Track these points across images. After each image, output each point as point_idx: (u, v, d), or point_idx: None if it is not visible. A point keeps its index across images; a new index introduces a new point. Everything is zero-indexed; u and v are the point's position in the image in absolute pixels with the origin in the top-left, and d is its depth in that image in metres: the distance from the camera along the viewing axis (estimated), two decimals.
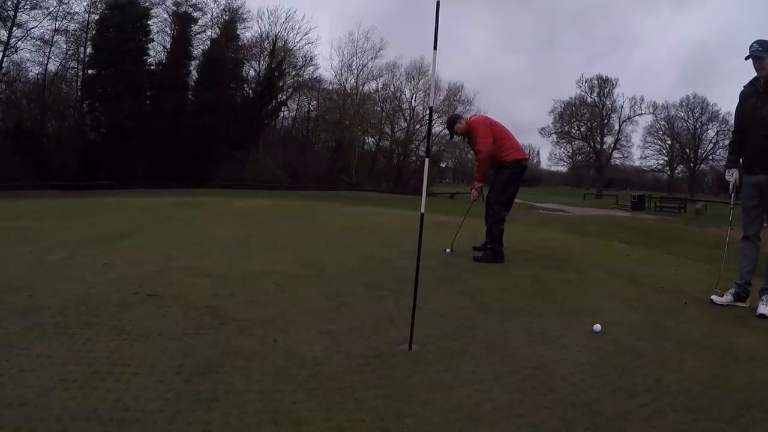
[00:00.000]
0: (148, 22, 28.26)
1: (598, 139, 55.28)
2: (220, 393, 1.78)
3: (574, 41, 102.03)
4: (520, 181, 4.71)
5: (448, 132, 4.99)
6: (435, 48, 2.05)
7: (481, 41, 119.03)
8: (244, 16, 33.00)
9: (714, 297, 3.39)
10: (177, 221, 6.82)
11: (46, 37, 26.06)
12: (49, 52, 26.46)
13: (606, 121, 54.85)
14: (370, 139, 42.89)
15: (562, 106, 55.68)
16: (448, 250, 4.75)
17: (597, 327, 2.66)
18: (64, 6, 25.92)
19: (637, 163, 59.97)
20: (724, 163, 3.78)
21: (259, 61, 34.59)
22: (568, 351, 2.37)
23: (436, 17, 2.02)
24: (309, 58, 36.68)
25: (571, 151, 59.33)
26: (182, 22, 29.92)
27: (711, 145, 53.07)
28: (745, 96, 3.33)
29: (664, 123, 55.08)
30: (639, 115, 54.73)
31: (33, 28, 25.24)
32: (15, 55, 25.14)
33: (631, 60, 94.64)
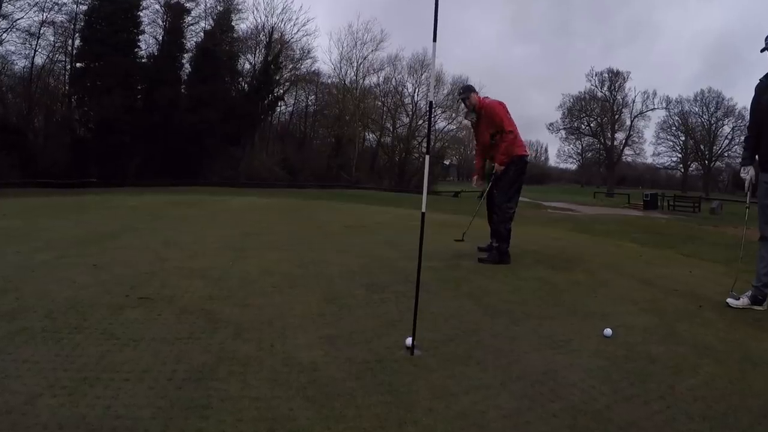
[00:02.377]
0: (139, 13, 27.66)
1: (609, 135, 54.80)
2: (214, 400, 1.74)
3: (591, 29, 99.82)
4: (523, 178, 4.63)
5: (459, 97, 4.78)
6: (434, 40, 1.99)
7: (491, 29, 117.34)
8: (239, 7, 32.39)
9: (730, 300, 3.30)
10: (170, 220, 6.78)
11: (33, 28, 25.46)
12: (36, 45, 25.87)
13: (617, 116, 54.34)
14: (370, 135, 42.28)
15: (571, 100, 55.37)
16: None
17: (608, 331, 2.60)
18: None
19: (649, 160, 59.46)
20: (739, 160, 3.68)
21: (255, 54, 33.98)
22: (578, 356, 2.31)
23: (436, 8, 1.97)
24: (307, 51, 36.14)
25: (580, 147, 58.98)
26: (175, 13, 29.32)
27: (726, 141, 52.38)
28: (761, 90, 3.23)
29: (677, 118, 54.45)
30: (651, 110, 54.24)
31: (19, 19, 24.65)
32: (0, 48, 24.63)
33: (651, 51, 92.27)
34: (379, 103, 41.69)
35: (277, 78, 34.06)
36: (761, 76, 3.24)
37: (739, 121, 48.04)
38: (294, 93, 38.22)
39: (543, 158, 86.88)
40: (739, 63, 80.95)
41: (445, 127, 39.00)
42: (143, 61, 28.37)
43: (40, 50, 26.35)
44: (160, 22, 29.64)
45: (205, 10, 31.14)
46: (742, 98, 50.15)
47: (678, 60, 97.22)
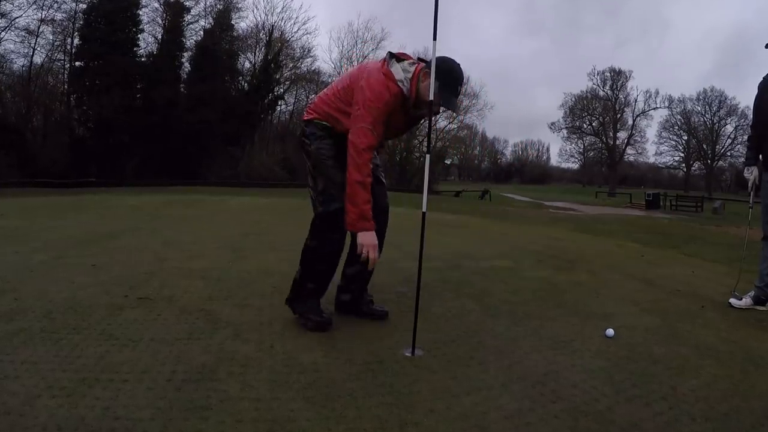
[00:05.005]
0: (138, 11, 27.56)
1: (611, 134, 54.79)
2: (214, 401, 1.72)
3: (601, 23, 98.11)
4: None
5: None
6: (435, 39, 1.98)
7: (497, 25, 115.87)
8: (239, 5, 32.15)
9: (732, 300, 3.28)
10: (169, 220, 6.73)
11: (32, 27, 25.41)
12: (35, 43, 25.79)
13: (619, 115, 54.31)
14: None
15: (573, 99, 55.43)
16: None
17: (610, 331, 2.58)
18: None
19: (651, 160, 59.44)
20: (743, 159, 3.65)
21: (255, 53, 33.61)
22: (579, 356, 2.29)
23: (436, 7, 1.95)
24: (307, 50, 35.74)
25: (582, 147, 58.97)
26: (174, 12, 29.15)
27: (729, 140, 52.30)
28: (764, 88, 3.20)
29: (680, 117, 54.37)
30: (654, 109, 54.27)
31: (17, 17, 24.60)
32: None
33: (662, 46, 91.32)
34: None
35: (277, 77, 33.72)
36: (765, 75, 3.21)
37: (742, 120, 47.97)
38: (294, 92, 37.83)
39: (545, 158, 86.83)
40: (751, 59, 79.97)
41: (446, 126, 38.87)
42: (142, 60, 28.16)
43: (38, 49, 26.29)
44: (160, 21, 29.49)
45: (204, 8, 30.95)
46: (748, 97, 49.96)
47: (689, 56, 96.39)
